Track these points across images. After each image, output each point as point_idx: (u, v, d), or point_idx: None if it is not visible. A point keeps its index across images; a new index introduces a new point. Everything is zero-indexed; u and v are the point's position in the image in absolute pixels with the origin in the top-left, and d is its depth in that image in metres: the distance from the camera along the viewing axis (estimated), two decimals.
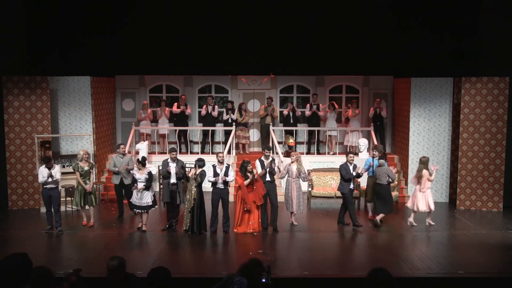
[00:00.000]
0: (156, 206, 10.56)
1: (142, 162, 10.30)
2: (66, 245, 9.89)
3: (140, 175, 10.14)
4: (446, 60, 13.68)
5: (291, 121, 14.79)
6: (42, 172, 10.01)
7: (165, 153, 14.26)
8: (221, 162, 10.19)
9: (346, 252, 9.31)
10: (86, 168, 10.50)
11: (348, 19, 14.03)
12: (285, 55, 14.44)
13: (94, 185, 10.81)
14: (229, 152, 13.89)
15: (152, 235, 10.22)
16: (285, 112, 14.78)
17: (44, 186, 10.14)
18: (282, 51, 14.32)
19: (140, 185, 10.11)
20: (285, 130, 14.74)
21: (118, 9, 14.04)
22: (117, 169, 11.24)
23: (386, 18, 14.02)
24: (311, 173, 12.77)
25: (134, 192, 10.21)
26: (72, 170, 11.17)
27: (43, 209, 11.73)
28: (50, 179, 9.96)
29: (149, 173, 10.25)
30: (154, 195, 10.40)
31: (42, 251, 9.24)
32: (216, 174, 10.10)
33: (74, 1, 13.79)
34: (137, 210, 10.28)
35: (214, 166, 10.18)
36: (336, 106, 14.96)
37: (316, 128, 14.64)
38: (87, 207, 10.61)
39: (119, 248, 9.34)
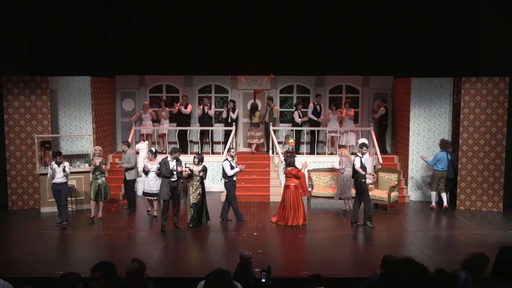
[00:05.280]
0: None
1: (154, 154, 11.52)
2: (66, 245, 9.89)
3: (152, 165, 11.20)
4: (446, 60, 13.69)
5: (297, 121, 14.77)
6: (49, 167, 10.57)
7: (165, 152, 14.28)
8: (233, 157, 10.94)
9: (346, 252, 9.32)
10: (97, 163, 11.03)
11: (348, 19, 14.04)
12: (285, 55, 14.45)
13: (105, 180, 11.32)
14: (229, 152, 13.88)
15: (152, 234, 10.24)
16: (300, 120, 14.73)
17: (53, 181, 10.55)
18: (282, 51, 14.34)
19: (153, 173, 11.12)
20: (285, 130, 14.76)
21: (118, 9, 14.06)
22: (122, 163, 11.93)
23: (386, 18, 14.04)
24: (311, 173, 12.80)
25: (146, 182, 11.33)
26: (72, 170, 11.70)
27: (43, 209, 11.80)
28: (61, 173, 10.47)
29: (160, 163, 10.78)
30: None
31: (42, 251, 9.24)
32: (232, 168, 10.85)
33: (74, 1, 13.81)
34: (150, 198, 11.38)
35: (229, 161, 10.78)
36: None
37: (317, 128, 14.62)
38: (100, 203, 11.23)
39: (119, 248, 9.35)
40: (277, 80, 15.54)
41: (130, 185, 12.00)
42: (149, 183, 11.26)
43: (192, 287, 7.63)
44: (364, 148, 10.91)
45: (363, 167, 10.65)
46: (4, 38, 12.47)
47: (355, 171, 10.73)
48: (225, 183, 11.00)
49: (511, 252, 4.08)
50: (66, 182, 10.71)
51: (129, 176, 11.92)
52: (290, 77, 15.51)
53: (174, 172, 10.37)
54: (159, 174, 10.64)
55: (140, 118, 14.78)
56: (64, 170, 10.50)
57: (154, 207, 11.38)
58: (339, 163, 12.07)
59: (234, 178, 10.99)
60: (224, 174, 10.94)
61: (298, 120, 14.64)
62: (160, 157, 11.45)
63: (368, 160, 13.68)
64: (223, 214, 11.17)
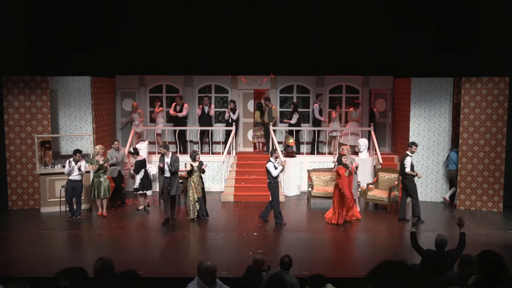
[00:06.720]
0: (146, 192, 12.14)
1: (135, 152, 12.30)
2: (65, 245, 9.90)
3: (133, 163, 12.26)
4: (446, 60, 13.69)
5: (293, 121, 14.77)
6: (67, 164, 10.93)
7: None
8: (277, 157, 11.15)
9: (346, 252, 9.31)
10: (101, 162, 11.31)
11: (348, 19, 14.05)
12: (285, 55, 14.45)
13: (107, 178, 11.62)
14: (229, 152, 13.88)
15: (152, 234, 10.24)
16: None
17: (69, 178, 10.95)
18: (282, 51, 14.34)
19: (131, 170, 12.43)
20: (285, 130, 14.75)
21: (118, 9, 14.06)
22: (115, 160, 12.17)
23: (386, 18, 14.04)
24: (311, 173, 12.80)
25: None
26: None
27: (43, 209, 11.83)
28: (77, 171, 10.93)
29: (136, 161, 12.15)
30: (141, 181, 12.02)
31: (42, 251, 9.23)
32: (275, 168, 10.97)
33: (74, 1, 13.81)
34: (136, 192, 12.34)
35: (272, 162, 10.94)
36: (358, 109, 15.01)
37: (318, 128, 14.62)
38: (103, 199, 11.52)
39: (119, 248, 9.35)
40: (277, 80, 15.53)
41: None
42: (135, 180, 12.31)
43: None
44: (414, 147, 11.04)
45: (412, 166, 10.87)
46: (4, 38, 12.47)
47: (404, 170, 10.88)
48: (269, 184, 10.98)
49: (490, 256, 4.08)
50: (81, 180, 11.17)
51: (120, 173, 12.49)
52: (290, 77, 15.50)
53: (166, 168, 10.86)
54: (135, 171, 12.15)
55: (131, 119, 14.78)
56: (80, 169, 10.96)
57: (141, 202, 12.14)
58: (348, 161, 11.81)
59: (278, 179, 11.04)
60: (269, 176, 10.94)
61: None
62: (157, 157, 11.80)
63: (368, 160, 13.73)
64: (264, 213, 11.10)
